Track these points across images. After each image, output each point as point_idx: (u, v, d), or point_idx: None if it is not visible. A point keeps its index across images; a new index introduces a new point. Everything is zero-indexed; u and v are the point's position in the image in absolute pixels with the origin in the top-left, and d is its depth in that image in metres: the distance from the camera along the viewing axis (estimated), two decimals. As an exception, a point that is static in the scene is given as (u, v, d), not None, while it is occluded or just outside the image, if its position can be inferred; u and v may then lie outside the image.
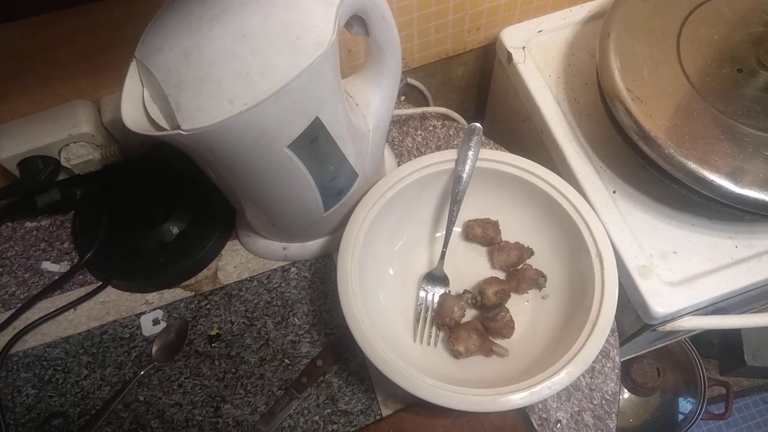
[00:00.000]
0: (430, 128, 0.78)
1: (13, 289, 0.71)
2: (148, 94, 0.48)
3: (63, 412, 0.64)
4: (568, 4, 0.81)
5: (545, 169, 0.63)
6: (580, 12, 0.79)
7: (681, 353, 1.15)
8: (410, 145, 0.77)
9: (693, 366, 1.13)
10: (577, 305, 0.59)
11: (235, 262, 0.72)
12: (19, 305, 0.69)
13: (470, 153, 0.63)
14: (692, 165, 0.57)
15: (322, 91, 0.48)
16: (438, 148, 0.76)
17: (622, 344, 0.74)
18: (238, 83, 0.44)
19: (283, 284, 0.70)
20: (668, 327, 0.66)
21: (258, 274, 0.70)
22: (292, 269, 0.71)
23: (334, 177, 0.59)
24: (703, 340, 1.21)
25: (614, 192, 0.67)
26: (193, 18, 0.46)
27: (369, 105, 0.62)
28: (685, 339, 1.16)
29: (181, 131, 0.44)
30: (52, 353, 0.67)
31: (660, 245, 0.64)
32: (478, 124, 0.64)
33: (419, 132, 0.77)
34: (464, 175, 0.63)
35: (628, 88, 0.61)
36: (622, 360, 0.97)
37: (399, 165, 0.74)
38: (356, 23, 0.54)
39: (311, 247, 0.70)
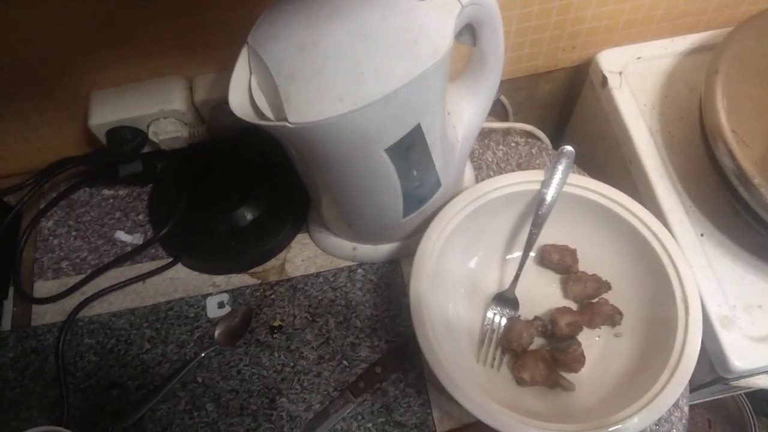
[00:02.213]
0: (512, 144, 0.76)
1: (85, 254, 0.73)
2: (256, 81, 0.48)
3: (122, 383, 0.65)
4: (669, 33, 0.78)
5: (636, 202, 0.61)
6: (682, 43, 0.76)
7: (734, 407, 1.10)
8: (490, 160, 0.75)
9: (746, 423, 1.08)
10: (654, 348, 0.57)
11: (303, 256, 0.71)
12: (90, 271, 0.71)
13: (558, 176, 0.62)
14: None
15: (429, 99, 0.47)
16: (518, 166, 0.74)
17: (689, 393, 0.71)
18: (350, 82, 0.43)
19: (348, 284, 0.69)
20: (743, 382, 0.63)
21: (325, 271, 0.70)
22: (359, 270, 0.70)
23: (420, 184, 0.58)
24: (759, 396, 1.16)
25: (702, 235, 0.64)
26: (311, 11, 0.45)
27: (461, 115, 0.61)
28: (740, 393, 1.11)
29: (287, 123, 0.44)
30: (116, 323, 0.68)
31: (745, 296, 0.61)
32: (570, 148, 0.62)
33: (501, 147, 0.76)
34: (549, 198, 0.62)
35: (734, 129, 0.58)
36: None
37: (477, 178, 0.73)
38: (466, 32, 0.53)
39: (381, 250, 0.69)
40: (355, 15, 0.44)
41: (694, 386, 0.68)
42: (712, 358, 0.61)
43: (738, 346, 0.59)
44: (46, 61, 0.64)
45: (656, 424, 0.61)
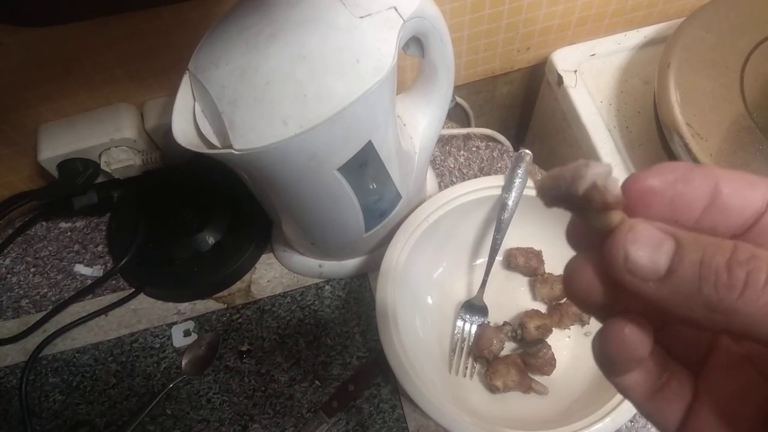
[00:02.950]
0: (474, 149, 0.76)
1: (45, 290, 0.71)
2: (199, 108, 0.47)
3: (90, 421, 0.63)
4: (622, 28, 0.78)
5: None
6: (635, 37, 0.77)
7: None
8: (452, 166, 0.75)
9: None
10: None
11: (269, 276, 0.70)
12: (51, 308, 0.69)
13: (518, 180, 0.61)
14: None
15: (377, 115, 0.47)
16: (481, 170, 0.74)
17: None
18: (293, 105, 0.42)
19: (316, 302, 0.68)
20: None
21: (292, 290, 0.69)
22: (327, 287, 0.69)
23: (379, 199, 0.57)
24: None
25: (665, 228, 0.64)
26: (250, 34, 0.44)
27: (417, 126, 0.60)
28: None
29: (233, 150, 0.43)
30: (81, 359, 0.66)
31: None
32: (528, 151, 0.62)
33: (462, 152, 0.76)
34: (510, 203, 0.61)
35: (688, 123, 0.59)
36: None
37: (440, 185, 0.73)
38: (413, 44, 0.52)
39: (347, 265, 0.68)
40: (295, 37, 0.43)
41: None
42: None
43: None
44: (-13, 98, 0.62)
45: (630, 420, 0.61)
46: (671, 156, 0.61)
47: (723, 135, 0.58)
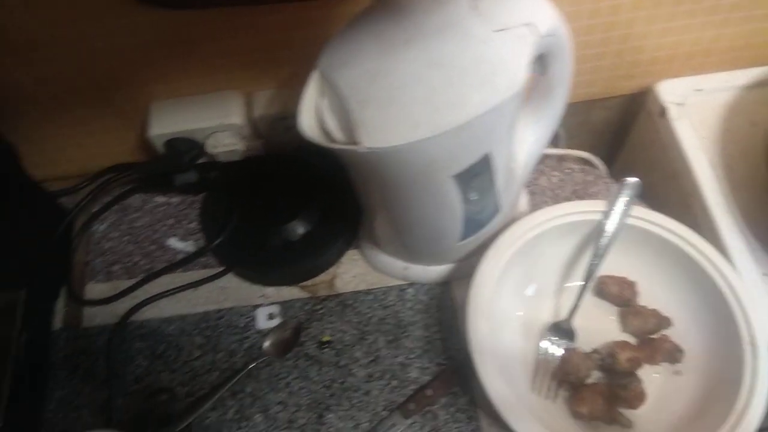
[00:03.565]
0: (567, 171, 0.76)
1: (138, 258, 0.74)
2: (326, 104, 0.48)
3: (171, 389, 0.65)
4: (730, 66, 0.77)
5: (701, 239, 0.60)
6: (743, 77, 0.76)
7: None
8: (544, 185, 0.75)
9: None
10: (718, 390, 0.56)
11: (354, 272, 0.71)
12: (142, 276, 0.71)
13: (622, 208, 0.61)
14: None
15: (501, 128, 0.47)
16: (574, 193, 0.74)
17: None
18: (425, 110, 0.43)
19: (398, 303, 0.69)
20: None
21: (375, 288, 0.70)
22: (409, 290, 0.70)
23: (481, 210, 0.58)
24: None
25: (765, 274, 0.63)
26: (384, 38, 0.46)
27: (523, 142, 0.61)
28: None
29: (359, 148, 0.44)
30: (167, 328, 0.69)
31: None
32: (636, 179, 0.62)
33: (555, 173, 0.76)
34: (611, 229, 0.61)
35: (806, 170, 0.58)
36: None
37: (530, 203, 0.73)
38: (537, 61, 0.53)
39: (433, 271, 0.69)
40: (431, 44, 0.44)
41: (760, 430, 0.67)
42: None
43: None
44: (110, 72, 0.65)
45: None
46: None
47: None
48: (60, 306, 0.71)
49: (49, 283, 0.71)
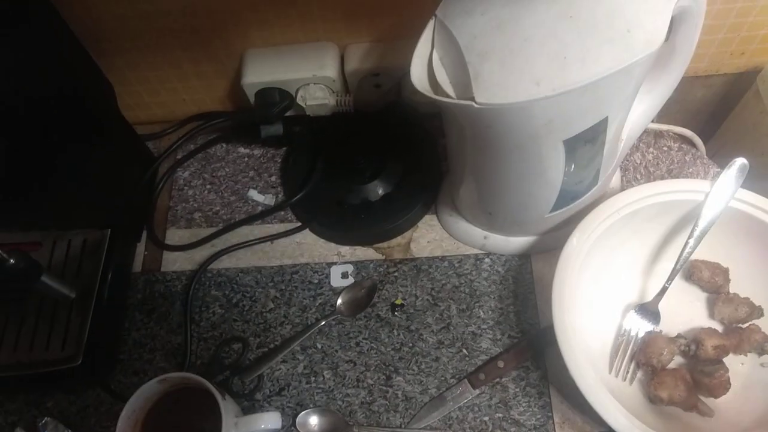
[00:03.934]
0: (665, 148, 0.72)
1: (218, 208, 0.74)
2: (438, 56, 0.46)
3: (244, 338, 0.66)
4: None
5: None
6: None
7: None
8: (638, 162, 0.71)
9: None
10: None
11: (430, 238, 0.70)
12: (222, 225, 0.72)
13: (728, 191, 0.57)
14: None
15: (625, 92, 0.45)
16: (669, 172, 0.70)
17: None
18: (550, 65, 0.41)
19: (474, 272, 0.67)
20: None
21: (450, 256, 0.69)
22: (486, 260, 0.68)
23: (580, 181, 0.55)
24: None
25: None
26: (512, -14, 0.43)
27: (631, 112, 0.57)
28: None
29: (473, 103, 0.42)
30: (243, 279, 0.69)
31: None
32: (745, 161, 0.58)
33: (651, 150, 0.72)
34: (713, 212, 0.57)
35: None
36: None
37: (623, 179, 0.70)
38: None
39: (513, 243, 0.67)
40: (564, -6, 0.42)
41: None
42: None
43: None
44: (211, 12, 0.64)
45: (799, 469, 0.56)
46: None
47: None
48: (140, 250, 0.73)
49: (132, 226, 0.73)
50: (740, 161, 0.58)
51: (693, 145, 0.70)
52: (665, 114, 0.82)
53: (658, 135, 0.72)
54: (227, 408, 0.52)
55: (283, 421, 0.59)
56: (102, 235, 0.68)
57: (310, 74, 0.66)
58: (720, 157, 0.84)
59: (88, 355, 0.62)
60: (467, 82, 0.43)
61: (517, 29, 0.42)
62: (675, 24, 0.48)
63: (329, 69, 0.66)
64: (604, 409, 0.51)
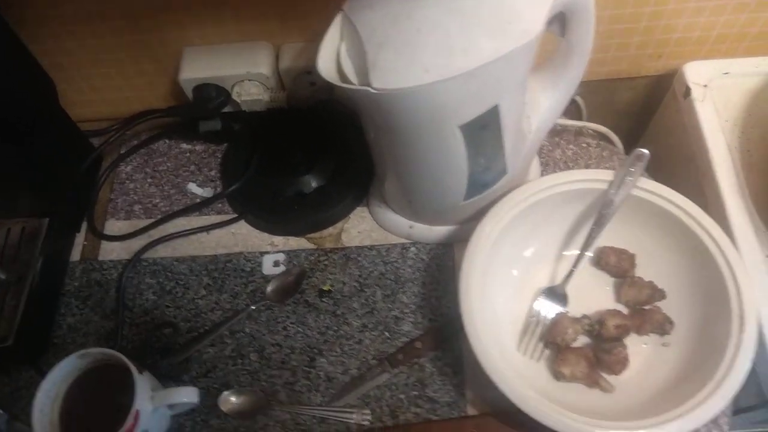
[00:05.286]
0: (584, 145, 0.75)
1: (157, 200, 0.77)
2: (345, 48, 0.49)
3: (175, 324, 0.68)
4: (763, 53, 0.75)
5: (706, 215, 0.59)
6: (773, 63, 0.74)
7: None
8: (558, 158, 0.75)
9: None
10: (702, 362, 0.56)
11: (360, 228, 0.73)
12: (160, 216, 0.75)
13: (629, 178, 0.61)
14: None
15: (511, 80, 0.48)
16: (587, 167, 0.74)
17: (733, 414, 0.69)
18: (438, 54, 0.45)
19: (399, 260, 0.70)
20: (795, 414, 0.61)
21: (378, 245, 0.72)
22: (412, 249, 0.71)
23: (487, 168, 0.58)
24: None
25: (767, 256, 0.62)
26: (408, -17, 0.47)
27: (537, 106, 0.61)
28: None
29: (370, 88, 0.46)
30: (178, 267, 0.72)
31: (808, 325, 0.59)
32: (645, 151, 0.61)
33: (571, 146, 0.75)
34: (616, 200, 0.61)
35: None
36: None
37: (543, 173, 0.73)
38: (557, 21, 0.53)
39: (436, 232, 0.70)
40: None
41: (739, 408, 0.66)
42: (761, 380, 0.59)
43: (792, 374, 0.57)
44: (148, 13, 0.68)
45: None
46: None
47: None
48: (80, 240, 0.75)
49: (71, 217, 0.75)
50: (639, 152, 0.61)
51: (610, 141, 0.74)
52: (594, 117, 0.87)
53: (578, 133, 0.76)
54: (143, 382, 0.54)
55: (204, 398, 0.61)
56: (40, 223, 0.71)
57: (244, 71, 0.69)
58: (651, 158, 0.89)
59: (20, 336, 0.64)
60: (367, 70, 0.46)
61: (410, 22, 0.45)
62: (567, 21, 0.52)
63: (263, 66, 0.69)
64: (506, 385, 0.54)
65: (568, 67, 0.57)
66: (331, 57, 0.49)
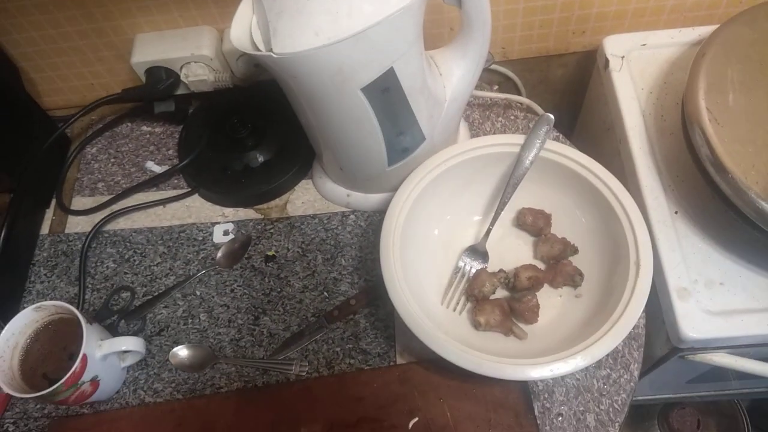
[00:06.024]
0: (512, 117, 0.80)
1: (119, 178, 0.83)
2: (255, 20, 0.55)
3: (132, 288, 0.74)
4: (680, 25, 0.80)
5: (609, 173, 0.64)
6: (689, 34, 0.78)
7: (731, 416, 1.09)
8: (488, 130, 0.80)
9: (739, 429, 1.07)
10: (604, 306, 0.60)
11: (304, 199, 0.78)
12: (120, 192, 0.80)
13: (537, 141, 0.66)
14: (754, 196, 0.56)
15: (400, 43, 0.53)
16: (514, 137, 0.79)
17: (651, 368, 0.74)
18: (326, 19, 0.50)
19: (339, 227, 0.76)
20: (698, 357, 0.65)
21: (320, 214, 0.77)
22: (351, 216, 0.76)
23: (401, 133, 0.63)
24: (761, 410, 1.14)
25: (676, 212, 0.67)
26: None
27: (451, 76, 0.66)
28: (739, 403, 1.09)
29: (272, 54, 0.51)
30: (135, 238, 0.77)
31: (708, 273, 0.63)
32: (550, 115, 0.66)
33: (500, 119, 0.80)
34: (526, 161, 0.66)
35: (709, 108, 0.61)
36: (662, 399, 0.95)
37: (473, 145, 0.78)
38: (451, -7, 0.58)
39: (372, 199, 0.75)
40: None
41: (655, 360, 0.71)
42: (668, 328, 0.64)
43: (692, 317, 0.61)
44: (100, 2, 0.73)
45: (604, 382, 0.64)
46: (689, 143, 0.63)
47: (741, 124, 0.60)
48: (49, 215, 0.81)
49: (41, 194, 0.81)
50: (545, 116, 0.66)
51: (537, 113, 0.79)
52: (533, 95, 0.92)
53: (507, 106, 0.81)
54: (91, 331, 0.60)
55: (158, 354, 0.67)
56: (3, 199, 0.76)
57: (188, 53, 0.75)
58: (584, 132, 0.93)
59: (-9, 302, 0.70)
60: (269, 37, 0.52)
61: (302, -9, 0.51)
62: (459, -8, 0.57)
63: (206, 49, 0.75)
64: (424, 334, 0.58)
65: (472, 37, 0.62)
66: (244, 29, 0.55)
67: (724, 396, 1.03)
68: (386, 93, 0.57)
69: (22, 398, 0.61)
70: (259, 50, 0.54)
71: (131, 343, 0.62)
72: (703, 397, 0.98)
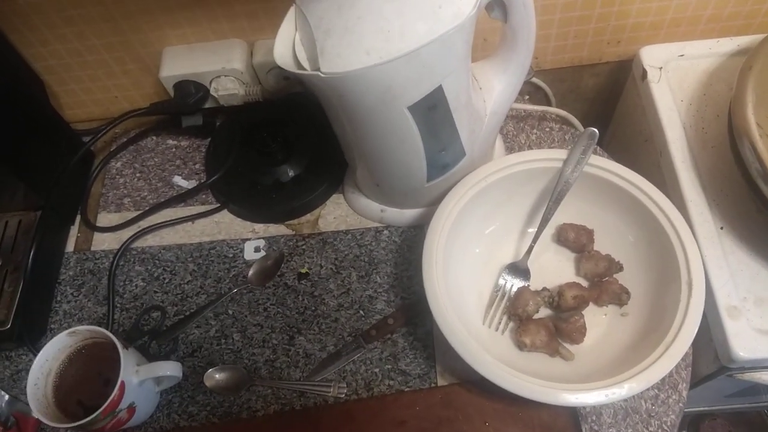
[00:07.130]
0: (547, 129, 0.79)
1: (146, 194, 0.81)
2: (299, 37, 0.53)
3: (162, 307, 0.72)
4: (717, 35, 0.79)
5: (654, 187, 0.63)
6: (727, 45, 0.77)
7: (760, 426, 1.08)
8: (523, 142, 0.78)
9: (772, 441, 1.06)
10: (655, 327, 0.59)
11: (336, 214, 0.77)
12: (147, 208, 0.79)
13: (580, 156, 0.64)
14: (811, 213, 0.55)
15: (450, 61, 0.52)
16: (550, 150, 0.77)
17: (695, 385, 0.72)
18: (377, 38, 0.48)
19: (373, 243, 0.74)
20: (747, 376, 0.64)
21: (353, 229, 0.75)
22: (385, 232, 0.75)
23: (443, 149, 0.62)
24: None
25: (722, 228, 0.65)
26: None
27: (491, 90, 0.64)
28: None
29: (319, 73, 0.50)
30: (165, 255, 0.76)
31: (757, 291, 0.62)
32: (594, 129, 0.65)
33: (535, 131, 0.79)
34: (569, 176, 0.64)
35: (759, 123, 0.59)
36: (694, 411, 0.94)
37: (508, 158, 0.77)
38: (497, 6, 0.56)
39: (407, 214, 0.73)
40: (391, -20, 0.49)
41: (700, 377, 0.69)
42: (717, 347, 0.62)
43: (742, 336, 0.60)
44: (129, 15, 0.72)
45: (653, 403, 0.62)
46: (738, 156, 0.62)
47: (793, 140, 0.59)
48: (74, 232, 0.79)
49: (66, 211, 0.79)
50: (589, 130, 0.65)
51: (572, 125, 0.78)
52: (563, 104, 0.90)
53: (542, 117, 0.79)
54: (128, 356, 0.58)
55: (191, 376, 0.66)
56: (34, 217, 0.75)
57: (219, 67, 0.73)
58: (616, 142, 0.92)
59: (17, 320, 0.68)
60: (316, 56, 0.50)
61: (353, 10, 0.49)
62: (507, 7, 0.55)
63: (237, 62, 0.74)
64: (469, 355, 0.57)
65: (515, 51, 0.60)
66: (287, 47, 0.53)
67: (755, 408, 1.01)
68: (432, 110, 0.55)
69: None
70: (304, 69, 0.52)
71: (169, 368, 0.60)
72: (735, 409, 0.96)
